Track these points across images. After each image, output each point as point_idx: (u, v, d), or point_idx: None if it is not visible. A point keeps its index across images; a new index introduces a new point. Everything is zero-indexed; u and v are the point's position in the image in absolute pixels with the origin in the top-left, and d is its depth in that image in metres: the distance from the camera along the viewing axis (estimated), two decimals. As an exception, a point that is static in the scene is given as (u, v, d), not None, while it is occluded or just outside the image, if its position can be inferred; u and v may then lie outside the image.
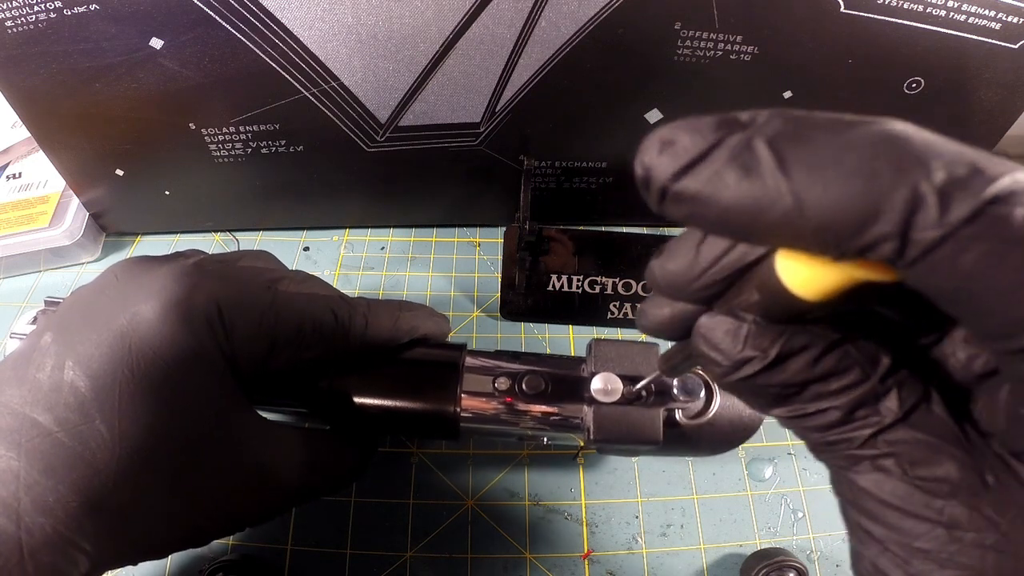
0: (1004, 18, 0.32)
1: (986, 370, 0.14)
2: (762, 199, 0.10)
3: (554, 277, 0.41)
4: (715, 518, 0.34)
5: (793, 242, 0.11)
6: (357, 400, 0.26)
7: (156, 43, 0.32)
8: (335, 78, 0.35)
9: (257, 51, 0.33)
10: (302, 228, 0.46)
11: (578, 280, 0.41)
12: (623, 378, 0.25)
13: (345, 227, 0.46)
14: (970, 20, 0.32)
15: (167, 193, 0.41)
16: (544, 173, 0.42)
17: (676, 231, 0.45)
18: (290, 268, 0.29)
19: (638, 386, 0.25)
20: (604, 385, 0.25)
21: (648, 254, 0.41)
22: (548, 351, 0.40)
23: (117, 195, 0.41)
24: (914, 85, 0.36)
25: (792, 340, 0.13)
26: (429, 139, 0.39)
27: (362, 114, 0.37)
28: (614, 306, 0.41)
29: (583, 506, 0.34)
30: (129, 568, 0.32)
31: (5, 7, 0.30)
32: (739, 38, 0.33)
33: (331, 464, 0.26)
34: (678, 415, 0.26)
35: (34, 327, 0.27)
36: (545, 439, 0.28)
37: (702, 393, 0.26)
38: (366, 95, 0.36)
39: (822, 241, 0.10)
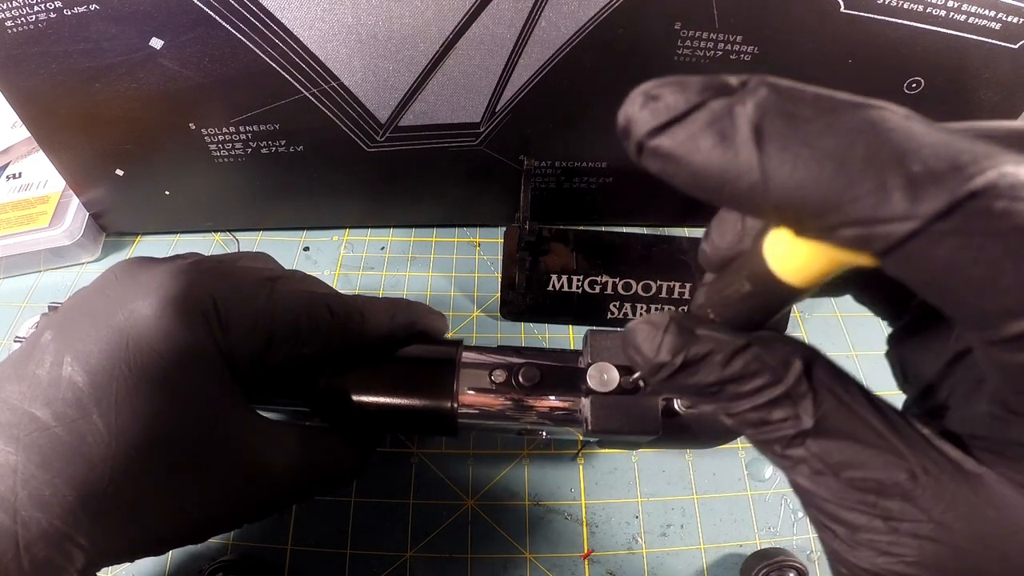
0: (1004, 18, 0.32)
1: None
2: (730, 169, 0.10)
3: (554, 277, 0.41)
4: (715, 518, 0.34)
5: (754, 212, 0.11)
6: (355, 398, 0.26)
7: (156, 43, 0.32)
8: (335, 78, 0.35)
9: (257, 51, 0.33)
10: (302, 228, 0.46)
11: (578, 280, 0.41)
12: (620, 368, 0.25)
13: (345, 227, 0.46)
14: (970, 20, 0.32)
15: (167, 193, 0.41)
16: (544, 173, 0.42)
17: (676, 231, 0.46)
18: (289, 268, 0.29)
19: (636, 375, 0.25)
20: (600, 375, 0.25)
21: (648, 254, 0.41)
22: (548, 351, 0.40)
23: (117, 195, 0.41)
24: (914, 85, 0.36)
25: (695, 348, 0.14)
26: (429, 139, 0.39)
27: (362, 114, 0.37)
28: (614, 306, 0.41)
29: (583, 506, 0.34)
30: (129, 568, 0.32)
31: (5, 7, 0.30)
32: (739, 38, 0.33)
33: (329, 462, 0.26)
34: (676, 405, 0.27)
35: (35, 330, 0.27)
36: (544, 433, 0.28)
37: None
38: (366, 95, 0.36)
39: (782, 217, 0.10)
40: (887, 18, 0.32)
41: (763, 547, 0.33)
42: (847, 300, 0.18)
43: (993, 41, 0.33)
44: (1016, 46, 0.33)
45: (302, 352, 0.24)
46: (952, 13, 0.32)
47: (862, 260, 0.11)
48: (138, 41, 0.32)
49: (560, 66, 0.35)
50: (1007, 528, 0.12)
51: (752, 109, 0.10)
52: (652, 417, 0.25)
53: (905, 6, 0.32)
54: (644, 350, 0.14)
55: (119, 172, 0.39)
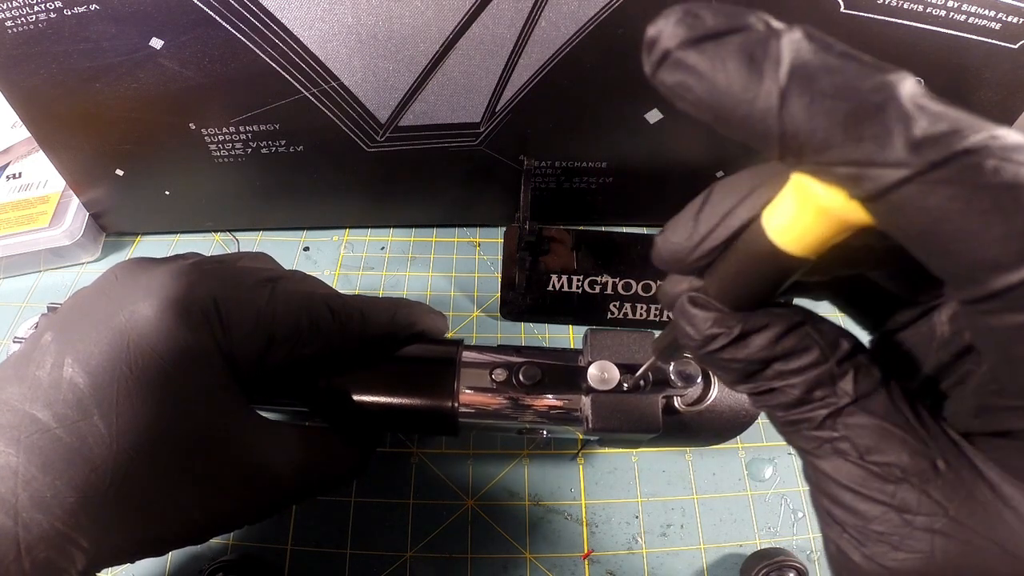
0: (1004, 18, 0.32)
1: (969, 343, 0.14)
2: (750, 91, 0.11)
3: (554, 277, 0.41)
4: (715, 518, 0.34)
5: (758, 137, 0.11)
6: (355, 397, 0.26)
7: (156, 43, 0.32)
8: (335, 78, 0.35)
9: (257, 51, 0.33)
10: (302, 228, 0.46)
11: (578, 280, 0.41)
12: (620, 367, 0.25)
13: (345, 227, 0.46)
14: (970, 20, 0.32)
15: (167, 193, 0.41)
16: (544, 173, 0.42)
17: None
18: (289, 268, 0.29)
19: (637, 374, 0.25)
20: (600, 373, 0.25)
21: (648, 254, 0.41)
22: (548, 351, 0.40)
23: (117, 195, 0.41)
24: (914, 85, 0.36)
25: (754, 319, 0.14)
26: (429, 139, 0.39)
27: (362, 114, 0.37)
28: (614, 306, 0.41)
29: (583, 506, 0.34)
30: (129, 568, 0.32)
31: (5, 7, 0.30)
32: (739, 38, 0.33)
33: (329, 462, 0.26)
34: (676, 403, 0.27)
35: (35, 330, 0.27)
36: (544, 432, 0.28)
37: (699, 380, 0.26)
38: (366, 95, 0.36)
39: (784, 145, 0.11)
40: (887, 18, 0.32)
41: (763, 547, 0.33)
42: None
43: (993, 41, 0.33)
44: (1016, 46, 0.33)
45: (302, 352, 0.24)
46: (952, 13, 0.32)
47: (858, 218, 0.11)
48: (138, 41, 0.32)
49: (560, 66, 0.35)
50: (1021, 527, 0.13)
51: (785, 44, 0.11)
52: (652, 415, 0.25)
53: (905, 6, 0.32)
54: (698, 320, 0.15)
55: (119, 172, 0.39)
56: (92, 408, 0.19)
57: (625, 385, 0.25)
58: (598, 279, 0.41)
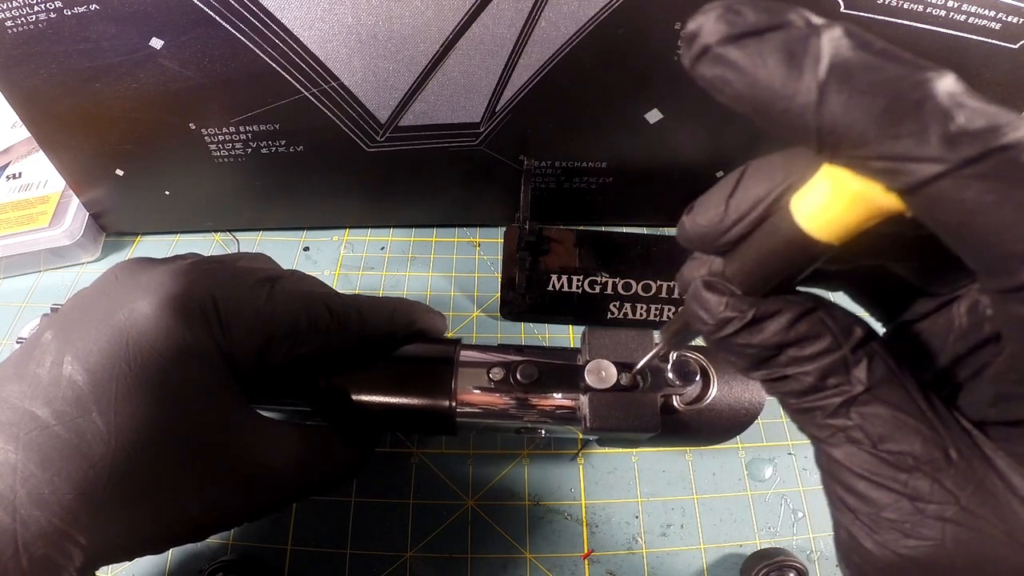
0: (1004, 18, 0.32)
1: (990, 333, 0.14)
2: (790, 87, 0.11)
3: (554, 277, 0.41)
4: (715, 518, 0.34)
5: (795, 130, 0.11)
6: (354, 397, 0.26)
7: (156, 43, 0.32)
8: (335, 78, 0.35)
9: (257, 51, 0.33)
10: (302, 228, 0.46)
11: (578, 280, 0.41)
12: (618, 365, 0.25)
13: (345, 227, 0.46)
14: (970, 20, 0.32)
15: (167, 193, 0.41)
16: (544, 173, 0.42)
17: (675, 232, 0.46)
18: (289, 268, 0.29)
19: (635, 369, 0.25)
20: (598, 372, 0.25)
21: (648, 254, 0.41)
22: (548, 351, 0.40)
23: (117, 195, 0.41)
24: (914, 85, 0.36)
25: (767, 304, 0.14)
26: (429, 139, 0.39)
27: (362, 114, 0.37)
28: (614, 306, 0.41)
29: (583, 506, 0.34)
30: (129, 566, 0.32)
31: (5, 7, 0.30)
32: (739, 38, 0.33)
33: (329, 461, 0.26)
34: (675, 402, 0.26)
35: (36, 330, 0.27)
36: (543, 431, 0.28)
37: (698, 378, 0.26)
38: (366, 95, 0.36)
39: (822, 139, 0.11)
40: (887, 18, 0.32)
41: (763, 547, 0.33)
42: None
43: (993, 41, 0.33)
44: (1016, 46, 0.33)
45: (301, 352, 0.24)
46: (952, 13, 0.32)
47: (891, 205, 0.11)
48: (138, 41, 0.32)
49: (560, 66, 0.35)
50: None
51: (826, 42, 0.11)
52: (651, 414, 0.25)
53: (905, 6, 0.32)
54: (712, 304, 0.15)
55: (119, 172, 0.39)
56: (91, 405, 0.20)
57: (624, 381, 0.25)
58: (598, 279, 0.41)
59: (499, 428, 0.30)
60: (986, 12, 0.32)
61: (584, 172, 0.42)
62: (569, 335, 0.41)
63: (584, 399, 0.25)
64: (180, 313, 0.21)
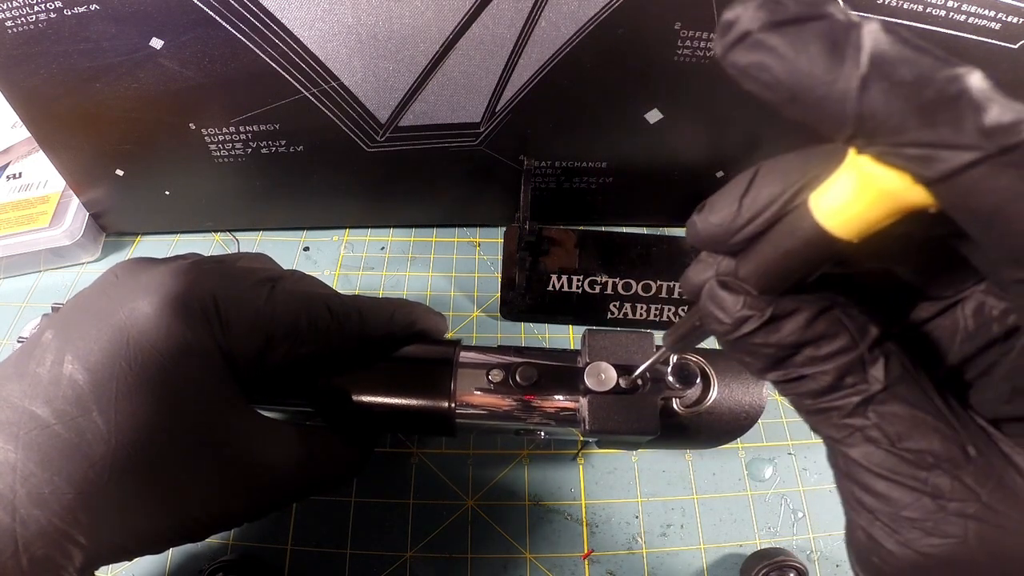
0: (1004, 18, 0.32)
1: (998, 334, 0.14)
2: (830, 75, 0.11)
3: (554, 277, 0.41)
4: (715, 518, 0.34)
5: (831, 119, 0.12)
6: (354, 397, 0.26)
7: (156, 43, 0.32)
8: (335, 78, 0.35)
9: (257, 51, 0.33)
10: (302, 228, 0.46)
11: (578, 280, 0.41)
12: (618, 368, 0.25)
13: (345, 227, 0.46)
14: (970, 20, 0.32)
15: (167, 193, 0.41)
16: (544, 173, 0.42)
17: (675, 232, 0.46)
18: (289, 268, 0.29)
19: (636, 372, 0.25)
20: (598, 374, 0.25)
21: (648, 254, 0.41)
22: (548, 351, 0.40)
23: (117, 195, 0.41)
24: (914, 85, 0.36)
25: (784, 303, 0.14)
26: (429, 139, 0.39)
27: (362, 114, 0.37)
28: (614, 306, 0.41)
29: (583, 506, 0.34)
30: (129, 567, 0.32)
31: (5, 7, 0.30)
32: (739, 38, 0.33)
33: (329, 461, 0.26)
34: (675, 405, 0.26)
35: (37, 329, 0.27)
36: (543, 433, 0.28)
37: (698, 381, 0.26)
38: (366, 95, 0.36)
39: (858, 126, 0.11)
40: (887, 18, 0.32)
41: (763, 547, 0.33)
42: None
43: (993, 41, 0.33)
44: (1016, 46, 0.33)
45: (301, 351, 0.24)
46: (952, 13, 0.32)
47: (917, 199, 0.11)
48: (138, 41, 0.32)
49: (560, 66, 0.35)
50: None
51: (866, 34, 0.11)
52: (650, 417, 0.25)
53: (905, 6, 0.32)
54: (728, 304, 0.15)
55: (119, 172, 0.39)
56: (91, 404, 0.20)
57: (623, 384, 0.25)
58: (598, 279, 0.41)
59: (498, 430, 0.30)
60: (986, 12, 0.32)
61: (584, 172, 0.42)
62: (569, 335, 0.41)
63: (584, 401, 0.25)
64: (181, 312, 0.21)
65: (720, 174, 0.42)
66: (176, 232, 0.45)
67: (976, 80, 0.11)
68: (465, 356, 0.27)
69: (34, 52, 0.32)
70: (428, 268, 0.44)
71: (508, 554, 0.33)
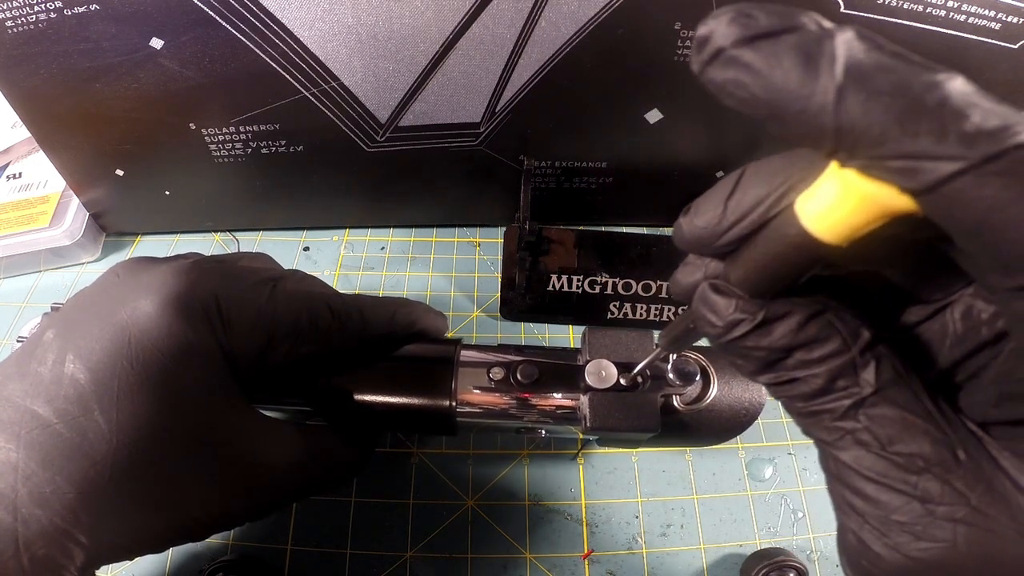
0: (1004, 18, 0.32)
1: (987, 337, 0.14)
2: (806, 88, 0.11)
3: (554, 277, 0.41)
4: (715, 518, 0.34)
5: (811, 132, 0.11)
6: (355, 396, 0.26)
7: (156, 43, 0.32)
8: (335, 78, 0.35)
9: (257, 51, 0.33)
10: (302, 228, 0.46)
11: (578, 280, 0.41)
12: (619, 365, 0.25)
13: (345, 227, 0.46)
14: (970, 20, 0.32)
15: (167, 193, 0.41)
16: (544, 173, 0.42)
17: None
18: (289, 268, 0.29)
19: (635, 370, 0.25)
20: (598, 372, 0.25)
21: (648, 254, 0.41)
22: (548, 351, 0.40)
23: (117, 195, 0.41)
24: (914, 85, 0.36)
25: (776, 306, 0.14)
26: (429, 139, 0.39)
27: (362, 114, 0.37)
28: (614, 306, 0.41)
29: (583, 506, 0.34)
30: (129, 567, 0.32)
31: (5, 7, 0.30)
32: (739, 38, 0.33)
33: (329, 461, 0.26)
34: (675, 402, 0.27)
35: (37, 328, 0.27)
36: (543, 431, 0.28)
37: (698, 378, 0.26)
38: (366, 95, 0.36)
39: (839, 139, 0.11)
40: (887, 18, 0.32)
41: (763, 547, 0.33)
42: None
43: (993, 41, 0.33)
44: (1016, 46, 0.33)
45: (302, 351, 0.24)
46: (952, 13, 0.32)
47: (902, 206, 0.11)
48: (138, 41, 0.32)
49: (560, 66, 0.35)
50: None
51: (840, 43, 0.11)
52: (651, 414, 0.25)
53: (905, 6, 0.32)
54: (720, 307, 0.15)
55: (119, 172, 0.39)
56: (93, 404, 0.20)
57: (624, 381, 0.25)
58: (598, 279, 0.41)
59: (499, 428, 0.30)
60: (986, 12, 0.32)
61: (584, 172, 0.42)
62: (569, 335, 0.41)
63: (584, 399, 0.25)
64: (182, 312, 0.21)
65: (720, 174, 0.42)
66: (176, 232, 0.45)
67: (957, 85, 0.10)
68: (466, 355, 0.27)
69: (34, 52, 0.32)
70: (428, 268, 0.44)
71: (508, 554, 0.33)
